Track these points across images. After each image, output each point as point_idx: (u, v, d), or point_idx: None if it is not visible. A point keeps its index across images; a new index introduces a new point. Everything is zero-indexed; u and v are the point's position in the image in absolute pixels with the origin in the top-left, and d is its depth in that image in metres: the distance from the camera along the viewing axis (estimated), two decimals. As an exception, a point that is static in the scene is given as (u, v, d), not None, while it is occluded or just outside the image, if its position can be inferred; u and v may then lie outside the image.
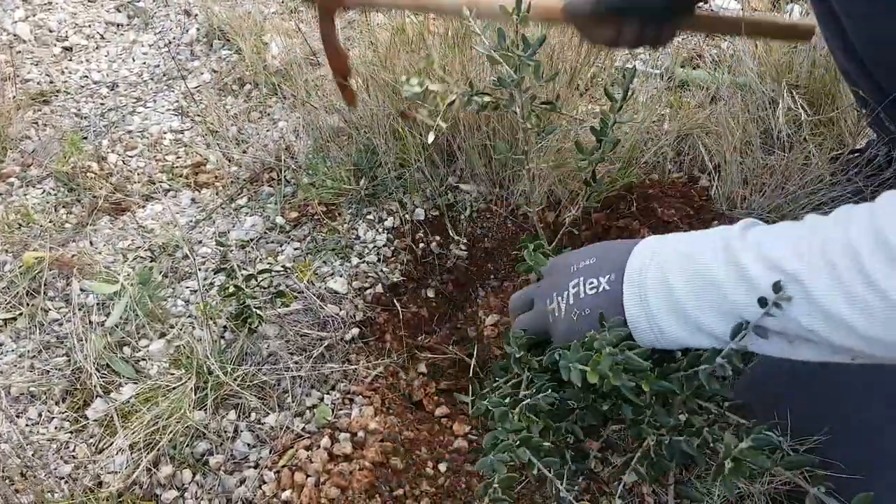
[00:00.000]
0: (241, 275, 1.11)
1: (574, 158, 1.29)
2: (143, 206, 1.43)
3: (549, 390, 0.81)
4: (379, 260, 1.32)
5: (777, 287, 0.63)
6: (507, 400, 0.82)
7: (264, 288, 1.21)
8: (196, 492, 1.01)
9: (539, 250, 0.94)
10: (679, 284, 0.71)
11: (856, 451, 0.82)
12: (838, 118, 1.22)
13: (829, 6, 1.02)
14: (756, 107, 1.31)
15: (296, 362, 1.13)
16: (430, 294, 1.33)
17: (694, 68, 1.63)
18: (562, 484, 0.77)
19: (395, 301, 1.28)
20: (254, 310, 1.11)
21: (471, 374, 1.16)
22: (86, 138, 1.58)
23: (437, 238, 1.36)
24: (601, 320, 0.77)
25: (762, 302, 0.64)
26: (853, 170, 1.20)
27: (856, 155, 1.19)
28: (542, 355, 0.86)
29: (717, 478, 0.70)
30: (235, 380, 1.08)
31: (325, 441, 1.03)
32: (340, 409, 1.10)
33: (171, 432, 1.03)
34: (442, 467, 1.04)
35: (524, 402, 0.80)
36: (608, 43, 1.11)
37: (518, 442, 0.76)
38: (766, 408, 0.84)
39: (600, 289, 0.79)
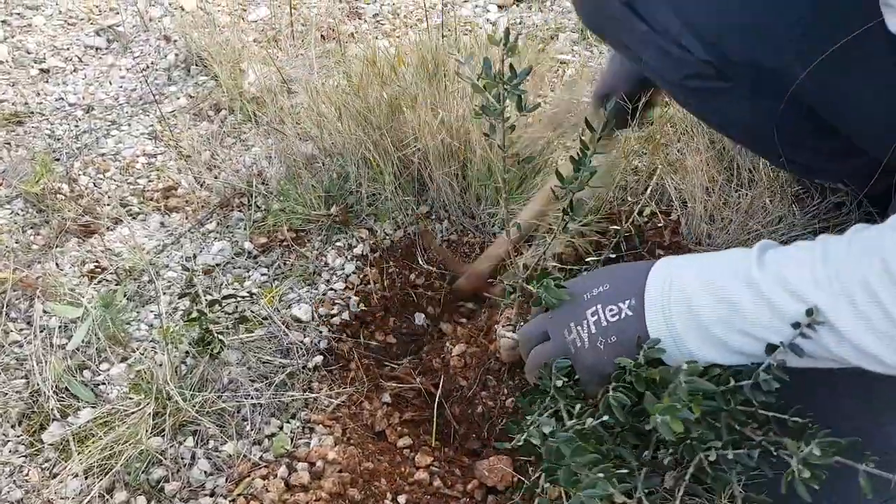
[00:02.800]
0: (205, 300, 1.11)
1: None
2: (112, 229, 1.42)
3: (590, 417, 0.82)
4: (347, 287, 1.32)
5: (810, 312, 0.68)
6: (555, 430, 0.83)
7: (228, 313, 1.20)
8: (149, 519, 0.99)
9: (555, 283, 0.92)
10: (704, 310, 0.75)
11: None
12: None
13: None
14: (722, 145, 1.33)
15: (256, 389, 1.12)
16: (398, 323, 1.33)
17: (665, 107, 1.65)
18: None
19: (361, 329, 1.27)
20: (216, 335, 1.11)
21: (436, 406, 1.16)
22: (58, 160, 1.57)
23: (407, 267, 1.36)
24: (638, 343, 0.80)
25: (796, 325, 0.69)
26: (813, 210, 1.22)
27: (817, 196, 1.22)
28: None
29: (789, 487, 0.72)
30: (194, 406, 1.07)
31: (283, 470, 1.02)
32: (300, 439, 1.09)
33: (126, 458, 1.02)
34: (401, 499, 1.03)
35: (571, 431, 0.81)
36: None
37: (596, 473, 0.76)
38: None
39: (622, 315, 0.81)
